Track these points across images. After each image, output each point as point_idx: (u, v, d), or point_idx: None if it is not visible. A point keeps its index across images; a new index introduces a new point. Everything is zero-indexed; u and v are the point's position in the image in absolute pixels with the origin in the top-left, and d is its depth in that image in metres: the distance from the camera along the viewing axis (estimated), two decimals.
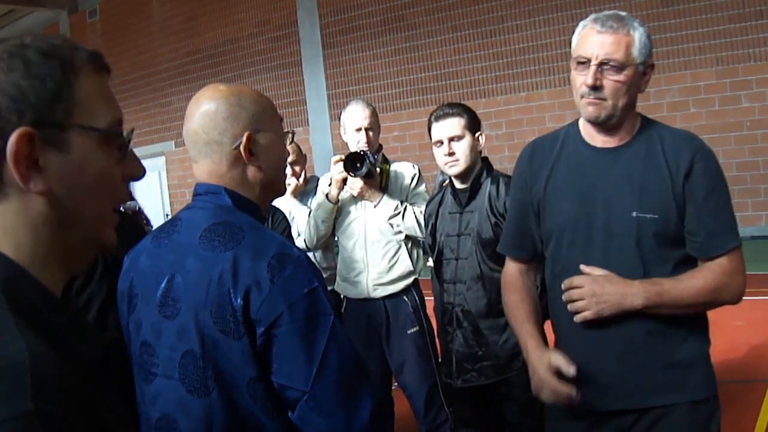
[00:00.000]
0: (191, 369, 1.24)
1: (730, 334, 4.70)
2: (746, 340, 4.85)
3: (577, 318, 1.70)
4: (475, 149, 2.60)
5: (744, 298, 1.75)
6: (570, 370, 1.68)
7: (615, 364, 1.72)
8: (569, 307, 1.71)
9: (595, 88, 1.66)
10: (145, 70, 13.48)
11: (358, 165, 2.98)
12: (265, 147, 1.37)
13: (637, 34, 1.66)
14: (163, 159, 12.96)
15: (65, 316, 0.77)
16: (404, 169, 3.19)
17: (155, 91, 13.30)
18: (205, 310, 1.22)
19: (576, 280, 1.71)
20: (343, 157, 3.05)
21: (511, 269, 1.98)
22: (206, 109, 1.34)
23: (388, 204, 3.05)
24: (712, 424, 1.74)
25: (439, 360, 2.88)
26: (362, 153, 3.01)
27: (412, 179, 3.17)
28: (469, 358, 2.58)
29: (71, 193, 0.76)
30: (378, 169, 3.07)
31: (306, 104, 11.38)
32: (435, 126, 2.61)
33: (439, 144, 2.60)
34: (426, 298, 3.11)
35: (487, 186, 2.58)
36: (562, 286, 1.73)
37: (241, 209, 1.34)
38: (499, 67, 9.97)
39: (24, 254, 0.75)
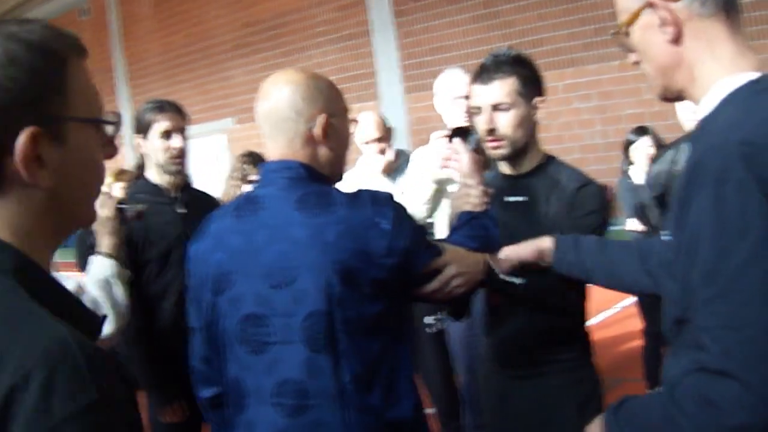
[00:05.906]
0: (316, 329, 1.34)
1: None
2: None
3: None
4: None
5: None
6: None
7: None
8: None
9: None
10: (200, 43, 12.93)
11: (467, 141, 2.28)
12: (336, 129, 1.48)
13: None
14: (224, 137, 12.47)
15: (72, 299, 0.82)
16: None
17: (212, 65, 12.76)
18: (327, 269, 1.33)
19: None
20: (448, 132, 2.42)
21: None
22: (285, 89, 1.45)
23: None
24: None
25: None
26: (468, 128, 2.25)
27: None
28: None
29: (69, 183, 0.80)
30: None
31: (376, 77, 10.84)
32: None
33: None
34: None
35: None
36: None
37: (316, 181, 1.45)
38: (586, 34, 9.39)
39: (26, 243, 0.78)
